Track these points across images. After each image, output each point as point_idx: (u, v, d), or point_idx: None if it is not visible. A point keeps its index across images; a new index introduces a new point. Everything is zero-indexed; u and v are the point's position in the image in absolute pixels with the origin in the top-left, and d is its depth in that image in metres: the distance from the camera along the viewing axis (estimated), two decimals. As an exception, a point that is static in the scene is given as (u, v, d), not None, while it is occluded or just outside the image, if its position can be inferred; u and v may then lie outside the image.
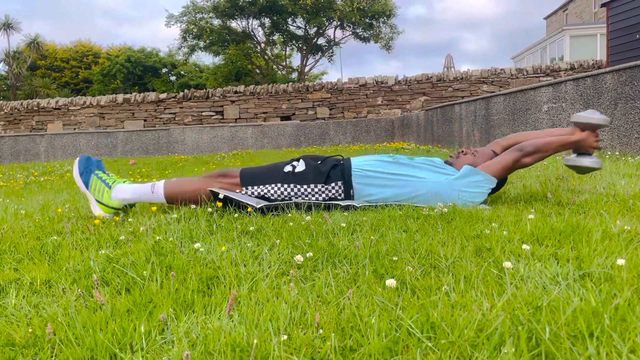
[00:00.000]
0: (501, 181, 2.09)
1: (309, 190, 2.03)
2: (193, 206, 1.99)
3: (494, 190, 2.09)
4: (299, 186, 2.04)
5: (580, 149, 2.10)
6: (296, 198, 2.02)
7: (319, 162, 2.09)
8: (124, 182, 2.09)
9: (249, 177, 2.09)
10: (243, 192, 2.06)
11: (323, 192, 2.04)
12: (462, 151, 2.19)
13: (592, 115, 2.05)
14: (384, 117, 12.24)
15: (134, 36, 67.41)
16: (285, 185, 2.04)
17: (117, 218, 1.90)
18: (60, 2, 70.93)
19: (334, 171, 2.05)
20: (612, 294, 0.88)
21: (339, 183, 2.03)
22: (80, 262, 1.28)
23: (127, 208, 2.10)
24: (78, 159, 2.07)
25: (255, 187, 2.07)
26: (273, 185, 2.06)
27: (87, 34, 60.95)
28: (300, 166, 2.10)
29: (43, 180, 4.71)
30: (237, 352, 0.73)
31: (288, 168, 2.09)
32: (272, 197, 2.06)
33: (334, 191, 2.04)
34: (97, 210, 1.99)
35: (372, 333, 0.76)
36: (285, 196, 2.04)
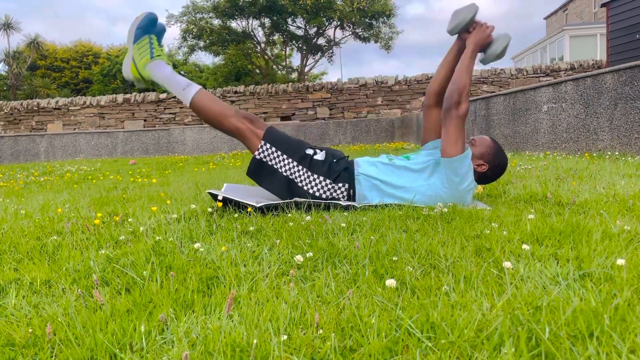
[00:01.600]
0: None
1: (317, 180, 2.03)
2: (193, 206, 1.99)
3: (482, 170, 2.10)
4: (309, 172, 2.03)
5: (483, 47, 2.06)
6: (301, 182, 2.02)
7: (335, 160, 2.09)
8: (168, 63, 2.02)
9: (273, 137, 2.07)
10: (260, 144, 2.05)
11: (329, 188, 2.04)
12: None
13: (458, 16, 2.04)
14: (384, 117, 12.24)
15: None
16: (300, 167, 2.04)
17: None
18: (55, 1, 70.92)
19: (344, 173, 2.06)
20: (612, 294, 0.88)
21: (346, 185, 2.04)
22: (80, 262, 1.28)
23: (152, 84, 2.03)
24: (148, 13, 1.96)
25: (273, 149, 2.04)
26: (289, 160, 2.04)
27: (82, 33, 60.83)
28: (320, 156, 2.10)
29: (43, 180, 4.71)
30: (237, 352, 0.73)
31: (309, 151, 2.09)
32: (279, 170, 2.04)
33: (339, 192, 2.05)
34: (127, 69, 1.91)
35: (372, 333, 0.76)
36: (293, 174, 2.03)
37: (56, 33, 65.60)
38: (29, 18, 61.12)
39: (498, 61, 2.11)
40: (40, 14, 64.49)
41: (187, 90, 2.01)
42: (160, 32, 2.03)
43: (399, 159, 2.12)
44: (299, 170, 2.04)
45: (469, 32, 2.07)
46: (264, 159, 2.06)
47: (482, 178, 2.12)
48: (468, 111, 1.97)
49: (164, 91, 22.32)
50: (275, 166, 2.05)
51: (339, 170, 2.05)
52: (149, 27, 1.97)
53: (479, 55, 2.10)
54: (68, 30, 61.02)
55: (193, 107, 2.03)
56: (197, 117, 13.21)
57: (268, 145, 2.05)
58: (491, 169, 2.10)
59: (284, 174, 2.04)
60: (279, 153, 2.05)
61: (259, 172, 2.08)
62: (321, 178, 2.04)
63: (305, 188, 2.03)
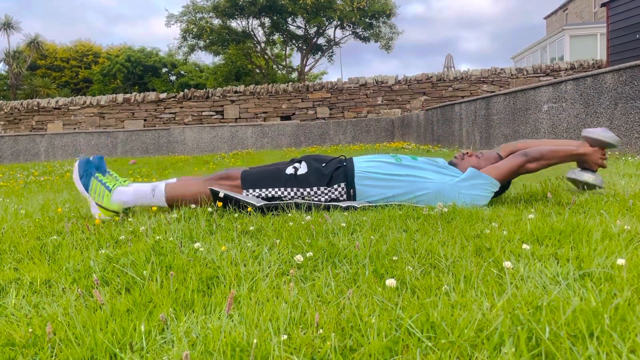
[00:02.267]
0: (504, 185, 2.09)
1: (312, 192, 2.03)
2: (193, 206, 1.99)
3: (497, 194, 2.09)
4: (301, 189, 2.03)
5: (585, 164, 2.08)
6: (298, 199, 2.02)
7: (322, 165, 2.08)
8: (124, 182, 2.07)
9: (251, 180, 2.07)
10: (245, 194, 2.06)
11: (326, 194, 2.03)
12: (467, 153, 2.18)
13: (603, 134, 2.04)
14: (384, 117, 12.24)
15: (128, 35, 67.37)
16: (289, 189, 2.04)
17: (117, 218, 1.89)
18: (53, 0, 70.87)
19: (337, 172, 2.04)
20: (612, 294, 0.88)
21: (342, 185, 2.03)
22: (80, 261, 1.28)
23: (127, 211, 2.09)
24: (77, 162, 2.05)
25: (257, 191, 2.06)
26: (276, 190, 2.05)
27: (80, 32, 61.00)
28: (303, 168, 2.08)
29: (43, 180, 4.71)
30: (237, 352, 0.73)
31: (290, 170, 2.08)
32: (274, 198, 2.05)
33: (336, 193, 2.04)
34: (97, 213, 1.98)
35: (372, 333, 0.76)
36: (288, 198, 2.03)
37: (54, 32, 65.70)
38: (26, 17, 61.18)
39: (572, 183, 2.17)
40: (38, 12, 64.48)
41: (157, 193, 2.06)
42: (99, 166, 2.11)
43: (405, 158, 2.11)
44: (290, 192, 2.04)
45: (592, 147, 2.07)
46: (252, 201, 2.09)
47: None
48: (526, 172, 2.04)
49: (164, 91, 22.32)
50: (268, 197, 2.07)
51: (330, 172, 2.04)
52: (89, 170, 2.05)
53: (576, 170, 2.11)
54: (66, 29, 61.04)
55: (170, 201, 2.06)
56: (197, 117, 13.22)
57: (251, 190, 2.06)
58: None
59: (280, 200, 2.05)
60: (264, 189, 2.06)
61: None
62: (315, 189, 2.03)
63: (303, 202, 2.04)
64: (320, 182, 2.03)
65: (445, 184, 1.99)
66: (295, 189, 2.03)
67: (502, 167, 2.01)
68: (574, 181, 2.12)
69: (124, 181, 2.08)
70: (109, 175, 2.09)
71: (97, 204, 1.97)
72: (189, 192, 2.07)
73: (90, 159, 2.09)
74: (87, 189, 2.00)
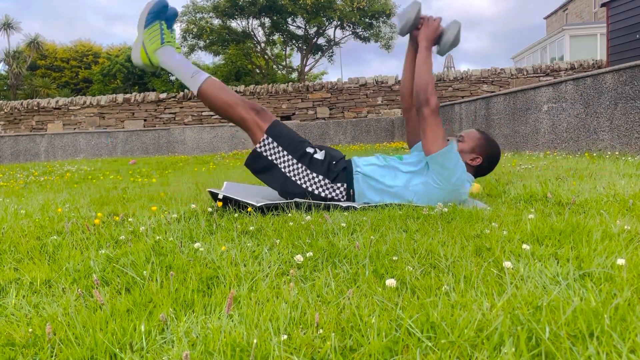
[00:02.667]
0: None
1: (316, 179, 2.03)
2: (193, 206, 1.99)
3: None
4: (308, 171, 2.04)
5: (435, 40, 2.09)
6: (299, 180, 2.02)
7: (334, 162, 2.09)
8: (177, 49, 2.02)
9: (276, 131, 2.06)
10: (262, 138, 2.04)
11: (327, 188, 2.04)
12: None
13: (404, 17, 2.06)
14: (384, 117, 12.24)
15: (128, 35, 67.31)
16: (300, 164, 2.04)
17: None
18: (52, 0, 70.79)
19: (342, 173, 2.06)
20: (612, 294, 0.88)
21: (344, 185, 2.04)
22: (80, 262, 1.28)
23: (159, 70, 2.05)
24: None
25: (275, 144, 2.04)
26: (289, 157, 2.04)
27: (79, 32, 60.93)
28: (320, 155, 2.10)
29: (43, 180, 4.71)
30: (237, 352, 0.73)
31: (310, 150, 2.09)
32: (278, 165, 2.04)
33: (337, 192, 2.05)
34: (136, 54, 1.90)
35: (372, 333, 0.76)
36: (291, 171, 2.03)
37: (53, 32, 65.59)
38: (25, 17, 61.17)
39: (454, 49, 2.13)
40: (37, 12, 64.50)
41: (195, 77, 2.01)
42: (170, 18, 2.02)
43: (392, 160, 2.12)
44: (298, 168, 2.03)
45: (418, 30, 2.10)
46: (264, 153, 2.06)
47: (478, 171, 2.13)
48: (438, 105, 1.99)
49: (164, 91, 22.28)
50: (274, 161, 2.05)
51: (337, 171, 2.06)
52: (160, 13, 1.96)
53: (435, 48, 2.12)
54: (65, 29, 61.01)
55: (200, 95, 2.03)
56: (197, 117, 13.22)
57: (270, 140, 2.05)
58: (486, 160, 2.11)
59: (282, 170, 2.04)
60: (280, 148, 2.05)
61: (257, 164, 2.09)
62: (320, 177, 2.04)
63: (303, 186, 2.03)
64: (327, 174, 2.05)
65: (426, 183, 2.00)
66: (304, 168, 2.03)
67: (431, 137, 1.96)
68: (450, 47, 2.10)
69: (178, 48, 2.02)
70: (171, 32, 2.03)
71: (143, 45, 1.90)
72: (222, 98, 2.03)
73: (170, 7, 2.01)
74: (145, 26, 1.92)
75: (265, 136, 2.05)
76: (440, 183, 1.96)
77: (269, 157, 2.05)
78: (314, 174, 2.03)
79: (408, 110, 2.25)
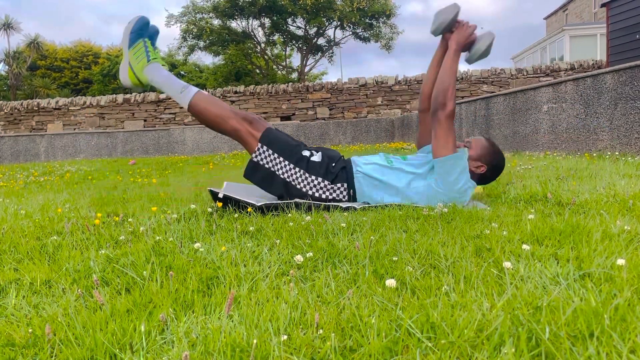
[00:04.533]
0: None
1: (315, 182, 2.03)
2: (193, 206, 1.99)
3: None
4: (307, 174, 2.03)
5: (466, 46, 2.06)
6: (299, 184, 2.02)
7: (333, 164, 2.09)
8: (163, 65, 2.02)
9: (269, 139, 2.05)
10: (257, 147, 2.04)
11: (328, 189, 2.04)
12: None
13: (440, 17, 2.04)
14: (384, 117, 12.24)
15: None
16: (297, 169, 2.03)
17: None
18: (46, 0, 70.78)
19: (342, 173, 2.06)
20: (612, 294, 0.88)
21: (345, 185, 2.04)
22: (80, 262, 1.28)
23: (149, 88, 2.05)
24: (140, 17, 1.96)
25: (270, 152, 2.04)
26: (286, 162, 2.03)
27: (75, 32, 60.83)
28: (317, 157, 2.09)
29: (43, 181, 4.71)
30: (237, 352, 0.73)
31: (306, 153, 2.09)
32: (276, 172, 2.04)
33: (338, 192, 2.05)
34: (124, 75, 1.90)
35: (372, 333, 0.76)
36: (290, 176, 2.02)
37: (48, 31, 65.63)
38: (20, 17, 61.15)
39: (484, 59, 2.12)
40: (32, 12, 64.45)
41: (185, 93, 2.00)
42: (153, 35, 2.02)
43: (396, 160, 2.12)
44: (296, 172, 2.03)
45: (452, 32, 2.07)
46: (261, 162, 2.06)
47: (481, 179, 2.12)
48: (454, 111, 1.98)
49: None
50: (272, 169, 2.05)
51: (336, 171, 2.05)
52: (142, 31, 1.96)
53: (464, 55, 2.11)
54: (60, 29, 60.99)
55: (191, 109, 2.03)
56: (197, 117, 13.22)
57: (265, 148, 2.04)
58: (490, 170, 2.10)
59: (282, 176, 2.04)
60: (276, 155, 2.04)
61: (256, 174, 2.08)
62: (319, 179, 2.03)
63: (304, 190, 2.03)
64: (326, 176, 2.04)
65: (429, 186, 2.00)
66: (302, 171, 2.03)
67: (442, 142, 1.95)
68: (481, 57, 2.08)
69: (164, 64, 2.03)
70: (155, 50, 2.03)
71: (130, 65, 1.89)
72: (213, 111, 2.03)
73: (151, 24, 2.01)
74: (130, 46, 1.91)
75: (259, 145, 2.04)
76: (444, 188, 1.96)
77: (266, 165, 2.05)
78: (313, 177, 2.03)
79: (425, 112, 2.23)
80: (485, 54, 2.06)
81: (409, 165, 2.07)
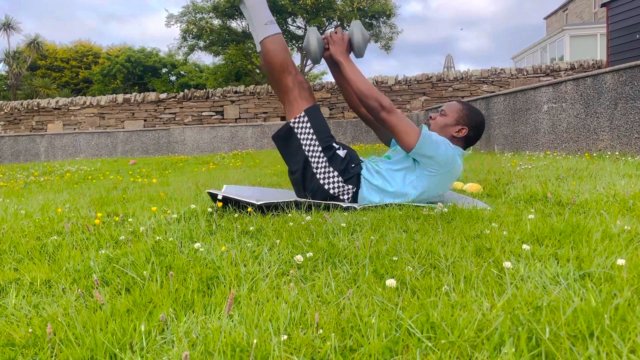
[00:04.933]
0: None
1: (331, 174, 2.05)
2: (193, 206, 1.99)
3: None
4: (327, 163, 2.06)
5: (347, 49, 2.11)
6: (316, 168, 2.04)
7: (352, 165, 2.11)
8: None
9: (313, 114, 2.08)
10: (299, 115, 2.06)
11: (338, 186, 2.05)
12: (431, 117, 2.18)
13: (309, 48, 2.09)
14: (384, 117, 12.22)
15: (121, 34, 67.38)
16: (322, 154, 2.06)
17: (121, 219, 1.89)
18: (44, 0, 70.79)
19: (355, 177, 2.08)
20: (612, 294, 0.88)
21: (354, 188, 2.06)
22: (80, 262, 1.28)
23: (239, 2, 2.07)
24: None
25: (308, 125, 2.06)
26: (316, 143, 2.06)
27: (73, 32, 60.88)
28: (342, 152, 2.12)
29: (43, 180, 4.71)
30: (237, 352, 0.73)
31: (336, 145, 2.12)
32: (303, 147, 2.06)
33: (345, 192, 2.06)
34: None
35: (372, 333, 0.76)
36: (313, 157, 2.04)
37: (47, 31, 65.69)
38: (20, 17, 61.19)
39: (364, 46, 2.17)
40: (31, 12, 64.51)
41: (269, 26, 2.03)
42: None
43: (382, 162, 2.11)
44: (320, 157, 2.05)
45: (328, 50, 2.12)
46: (296, 129, 2.08)
47: (466, 141, 2.13)
48: (391, 103, 2.01)
49: (164, 91, 22.28)
50: (302, 141, 2.07)
51: (353, 173, 2.08)
52: None
53: (353, 57, 2.16)
54: (60, 29, 61.01)
55: (263, 45, 2.05)
56: (197, 117, 13.22)
57: (306, 119, 2.06)
58: (472, 130, 2.11)
59: (306, 153, 2.06)
60: (312, 132, 2.06)
61: (286, 139, 2.10)
62: (335, 173, 2.06)
63: (317, 176, 2.05)
64: (343, 173, 2.06)
65: (421, 175, 2.02)
66: (325, 158, 2.05)
67: (400, 137, 1.98)
68: (362, 47, 2.12)
69: None
70: None
71: None
72: (280, 58, 2.05)
73: None
74: None
75: (302, 114, 2.07)
76: (434, 169, 1.98)
77: (299, 136, 2.07)
78: (331, 168, 2.05)
79: (366, 118, 2.28)
80: (365, 39, 2.12)
81: (395, 163, 2.08)
